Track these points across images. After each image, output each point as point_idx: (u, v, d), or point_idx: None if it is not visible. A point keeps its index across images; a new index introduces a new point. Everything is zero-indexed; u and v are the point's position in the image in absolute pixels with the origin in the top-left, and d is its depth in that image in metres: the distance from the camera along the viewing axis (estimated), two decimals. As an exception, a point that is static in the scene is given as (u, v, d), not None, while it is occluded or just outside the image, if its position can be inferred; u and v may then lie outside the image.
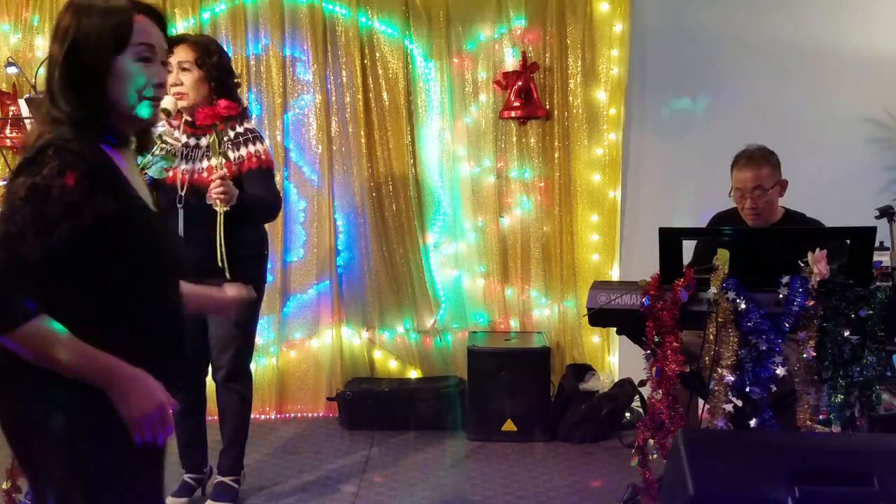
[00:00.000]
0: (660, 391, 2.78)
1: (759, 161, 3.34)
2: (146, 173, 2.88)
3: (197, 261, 3.18)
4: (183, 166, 3.20)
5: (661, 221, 2.96)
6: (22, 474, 2.90)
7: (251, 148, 3.25)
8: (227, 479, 3.44)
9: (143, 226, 1.71)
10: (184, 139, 3.23)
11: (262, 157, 3.27)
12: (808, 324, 2.65)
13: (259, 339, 4.51)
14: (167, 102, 3.15)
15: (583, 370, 4.61)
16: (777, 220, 3.41)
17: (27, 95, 2.84)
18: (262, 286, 3.47)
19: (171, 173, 3.12)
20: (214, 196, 3.00)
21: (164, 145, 2.90)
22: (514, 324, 4.79)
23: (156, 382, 1.66)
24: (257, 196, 3.21)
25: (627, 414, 4.41)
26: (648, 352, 2.83)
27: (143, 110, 1.72)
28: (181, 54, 3.17)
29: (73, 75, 1.65)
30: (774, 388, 2.68)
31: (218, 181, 3.00)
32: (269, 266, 3.57)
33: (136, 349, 1.65)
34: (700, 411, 2.89)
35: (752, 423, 2.66)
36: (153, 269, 1.73)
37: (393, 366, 4.83)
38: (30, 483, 1.75)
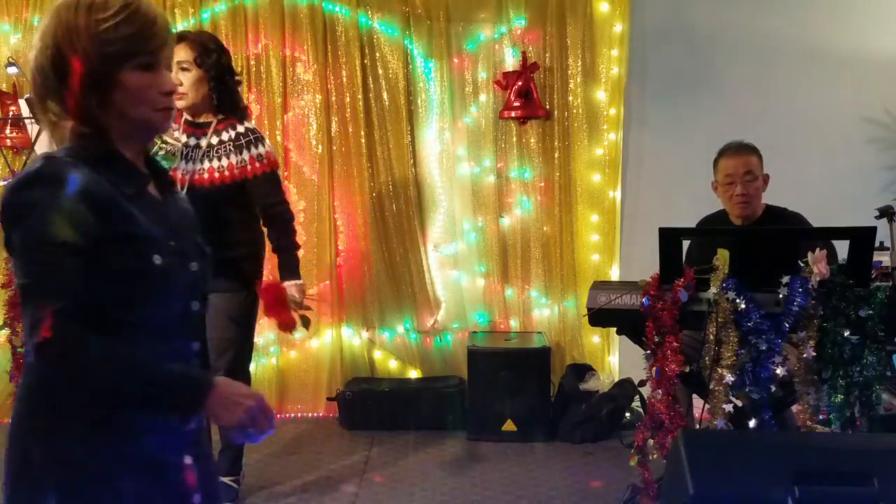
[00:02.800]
0: (660, 391, 2.77)
1: (747, 150, 3.41)
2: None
3: None
4: (183, 166, 3.21)
5: (661, 221, 2.96)
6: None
7: (254, 151, 3.25)
8: (226, 480, 3.44)
9: None
10: (184, 139, 3.23)
11: (266, 160, 3.28)
12: (808, 324, 2.65)
13: (259, 339, 4.51)
14: None
15: (583, 370, 4.61)
16: (759, 215, 3.42)
17: (27, 95, 2.84)
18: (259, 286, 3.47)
19: (170, 172, 3.12)
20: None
21: (164, 146, 2.91)
22: (514, 324, 4.79)
23: None
24: (286, 239, 3.37)
25: (627, 414, 4.41)
26: (648, 352, 2.83)
27: None
28: (180, 54, 3.17)
29: None
30: (774, 388, 2.68)
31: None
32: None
33: None
34: (700, 411, 2.89)
35: (752, 423, 2.65)
36: None
37: (393, 366, 4.83)
38: None
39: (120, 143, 1.47)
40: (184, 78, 3.18)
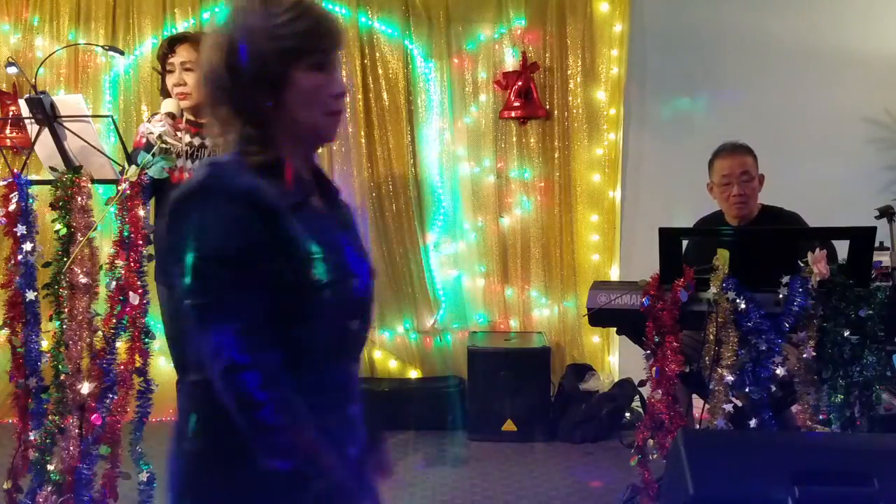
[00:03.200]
0: (660, 391, 2.77)
1: (743, 150, 3.41)
2: (146, 173, 2.88)
3: None
4: (189, 165, 3.21)
5: (661, 221, 2.96)
6: (22, 474, 2.88)
7: None
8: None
9: None
10: (187, 139, 3.24)
11: None
12: (808, 324, 2.65)
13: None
14: (171, 105, 3.16)
15: (583, 370, 4.61)
16: (756, 215, 3.42)
17: (27, 95, 2.83)
18: None
19: (176, 173, 3.13)
20: None
21: (163, 145, 2.91)
22: (514, 324, 4.79)
23: None
24: None
25: (627, 414, 4.41)
26: (648, 352, 2.83)
27: None
28: (184, 54, 3.19)
29: None
30: (774, 388, 2.68)
31: None
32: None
33: None
34: (700, 411, 2.89)
35: (752, 423, 2.65)
36: None
37: (393, 366, 4.83)
38: None
39: (287, 150, 1.41)
40: (188, 78, 3.20)
